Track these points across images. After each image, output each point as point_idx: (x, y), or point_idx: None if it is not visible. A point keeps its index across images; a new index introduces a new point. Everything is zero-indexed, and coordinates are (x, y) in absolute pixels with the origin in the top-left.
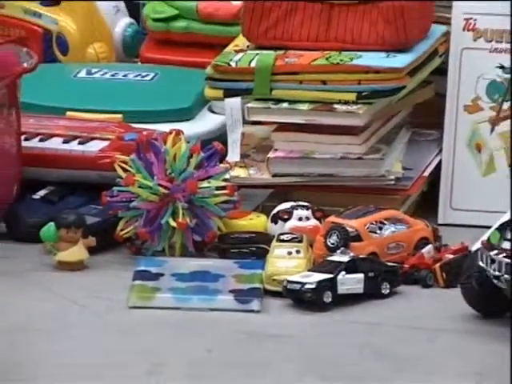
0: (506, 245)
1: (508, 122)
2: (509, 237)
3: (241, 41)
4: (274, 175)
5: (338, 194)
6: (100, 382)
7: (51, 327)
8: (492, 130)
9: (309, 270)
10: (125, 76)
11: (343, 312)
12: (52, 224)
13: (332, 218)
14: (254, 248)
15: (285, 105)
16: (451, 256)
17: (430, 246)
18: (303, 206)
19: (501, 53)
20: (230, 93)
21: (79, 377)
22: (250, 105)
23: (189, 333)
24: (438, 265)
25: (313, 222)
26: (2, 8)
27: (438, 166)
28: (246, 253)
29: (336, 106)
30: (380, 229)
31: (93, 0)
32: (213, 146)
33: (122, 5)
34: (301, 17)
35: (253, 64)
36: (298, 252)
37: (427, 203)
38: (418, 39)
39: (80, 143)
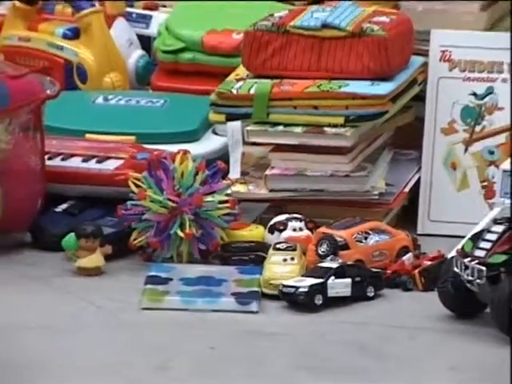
0: (478, 253)
1: (479, 143)
2: (481, 245)
3: (241, 70)
4: (271, 190)
5: (327, 207)
6: (112, 377)
7: (70, 326)
8: (465, 150)
9: (302, 276)
10: (137, 102)
11: (333, 313)
12: (72, 234)
13: (322, 229)
14: (253, 256)
15: (280, 128)
16: (429, 263)
17: (410, 254)
18: (297, 218)
19: (473, 81)
20: (231, 117)
21: (94, 372)
22: (249, 128)
23: (194, 332)
24: (417, 270)
25: (305, 232)
26: (28, 41)
27: (417, 183)
28: (246, 260)
29: (326, 128)
30: (365, 238)
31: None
32: (216, 164)
33: (135, 38)
34: (294, 49)
35: (252, 91)
36: (292, 259)
37: (407, 215)
38: (399, 69)
39: (97, 162)
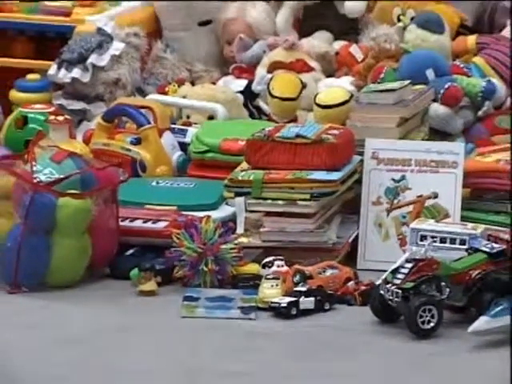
0: (396, 281)
1: (396, 211)
2: (397, 276)
3: (244, 165)
4: (263, 241)
5: (299, 252)
6: (158, 359)
7: (138, 327)
8: (387, 215)
9: (283, 296)
10: (178, 184)
11: (303, 319)
12: (136, 269)
13: (296, 266)
14: (252, 283)
15: (269, 201)
16: (364, 287)
17: (352, 282)
18: (280, 259)
19: (392, 171)
20: (238, 194)
21: (160, 352)
22: (249, 201)
23: (214, 331)
24: (356, 292)
25: (285, 268)
26: (109, 146)
27: (357, 237)
28: (247, 285)
29: (298, 202)
30: (324, 271)
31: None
32: (228, 224)
33: (176, 144)
34: (278, 151)
35: (251, 178)
36: (277, 285)
37: (350, 257)
38: (345, 164)
39: (152, 223)
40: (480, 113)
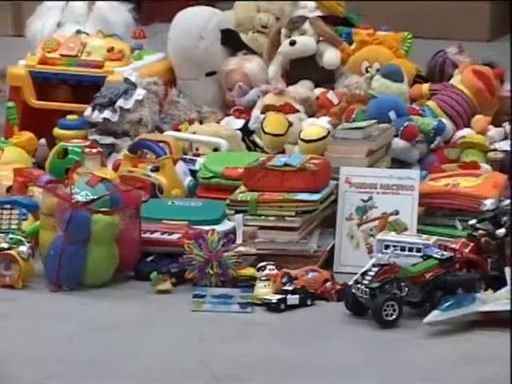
0: (365, 282)
1: (365, 225)
2: (366, 278)
3: (242, 188)
4: (258, 249)
5: (287, 258)
6: (185, 349)
7: (155, 320)
8: (358, 228)
9: (273, 293)
10: (189, 204)
11: (289, 313)
12: (155, 272)
13: (284, 270)
14: (249, 283)
15: (263, 217)
16: (339, 287)
17: (329, 282)
18: (271, 264)
19: (362, 193)
20: (237, 212)
21: (175, 342)
22: (246, 217)
23: (217, 322)
24: (333, 291)
25: (275, 271)
26: (133, 173)
27: (333, 245)
28: (245, 285)
29: (286, 218)
30: (307, 274)
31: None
32: (229, 236)
33: (188, 171)
34: (269, 177)
35: (248, 198)
36: (268, 285)
37: (328, 262)
38: (324, 187)
39: (168, 235)
40: (432, 146)
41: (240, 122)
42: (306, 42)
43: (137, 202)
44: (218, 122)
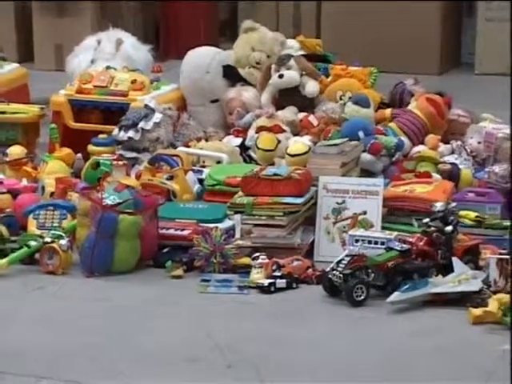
0: (339, 269)
1: (339, 223)
2: (340, 265)
3: (240, 193)
4: (253, 243)
5: (276, 250)
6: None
7: (169, 299)
8: (333, 226)
9: (265, 278)
10: (197, 206)
11: (278, 294)
12: (170, 261)
13: (274, 259)
14: (245, 270)
15: (257, 217)
16: (318, 273)
17: (310, 269)
18: (263, 255)
19: (334, 197)
20: (236, 212)
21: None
22: (243, 217)
23: (220, 302)
24: (313, 276)
25: (267, 260)
26: (152, 181)
27: (313, 240)
28: (243, 272)
29: (276, 217)
30: (292, 262)
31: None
32: (230, 232)
33: (196, 180)
34: (262, 184)
35: (244, 202)
36: (261, 272)
37: (309, 253)
38: (306, 192)
39: (181, 230)
40: (393, 159)
41: (238, 140)
42: (291, 75)
43: (155, 204)
44: (221, 140)
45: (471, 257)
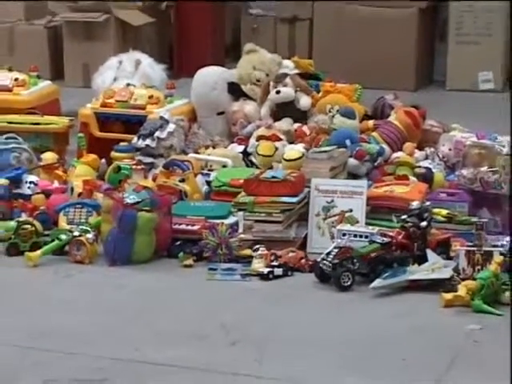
0: (329, 259)
1: (329, 219)
2: (330, 256)
3: (243, 194)
4: (254, 236)
5: (273, 243)
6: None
7: (181, 286)
8: (324, 222)
9: (265, 267)
10: (205, 205)
11: (276, 281)
12: (182, 252)
13: (272, 251)
14: (247, 260)
15: (257, 214)
16: (311, 263)
17: (304, 260)
18: (263, 247)
19: (326, 197)
20: (239, 210)
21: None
22: (245, 214)
23: (225, 288)
24: (306, 266)
25: (266, 252)
26: (166, 183)
27: (306, 234)
28: (246, 261)
29: (274, 214)
30: (288, 253)
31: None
32: (234, 227)
33: (205, 182)
34: (262, 186)
35: (246, 201)
36: (261, 261)
37: (303, 245)
38: (300, 193)
39: (191, 226)
40: (375, 164)
41: (241, 147)
42: (287, 91)
43: (169, 203)
44: (226, 147)
45: (443, 248)
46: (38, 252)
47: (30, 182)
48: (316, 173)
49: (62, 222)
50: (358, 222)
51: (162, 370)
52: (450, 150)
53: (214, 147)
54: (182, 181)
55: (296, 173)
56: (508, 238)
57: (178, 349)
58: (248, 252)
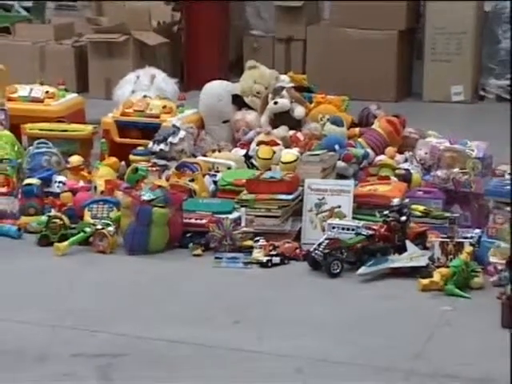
0: (320, 249)
1: (320, 214)
2: (321, 247)
3: (245, 192)
4: (255, 229)
5: (272, 235)
6: (213, 293)
7: (194, 273)
8: (316, 216)
9: (264, 256)
10: (212, 201)
11: (274, 268)
12: (191, 243)
13: (270, 242)
14: (249, 250)
15: (257, 210)
16: (305, 252)
17: (298, 250)
18: (263, 238)
19: (318, 195)
20: (242, 206)
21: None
22: (247, 210)
23: (230, 275)
24: (301, 255)
25: (265, 243)
26: (178, 182)
27: (301, 227)
28: (247, 251)
29: (272, 210)
30: (284, 244)
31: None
32: (237, 221)
33: (212, 182)
34: (262, 185)
35: (248, 198)
36: (261, 251)
37: (298, 237)
38: (295, 191)
39: (200, 220)
40: (361, 166)
41: (243, 151)
42: (284, 102)
43: (180, 200)
44: (230, 151)
45: (420, 240)
46: (66, 243)
47: (59, 182)
48: (309, 174)
49: (87, 217)
50: (345, 216)
51: (175, 347)
52: (426, 153)
53: (219, 151)
54: (192, 181)
55: (291, 174)
56: (476, 231)
57: (188, 327)
58: (249, 243)
